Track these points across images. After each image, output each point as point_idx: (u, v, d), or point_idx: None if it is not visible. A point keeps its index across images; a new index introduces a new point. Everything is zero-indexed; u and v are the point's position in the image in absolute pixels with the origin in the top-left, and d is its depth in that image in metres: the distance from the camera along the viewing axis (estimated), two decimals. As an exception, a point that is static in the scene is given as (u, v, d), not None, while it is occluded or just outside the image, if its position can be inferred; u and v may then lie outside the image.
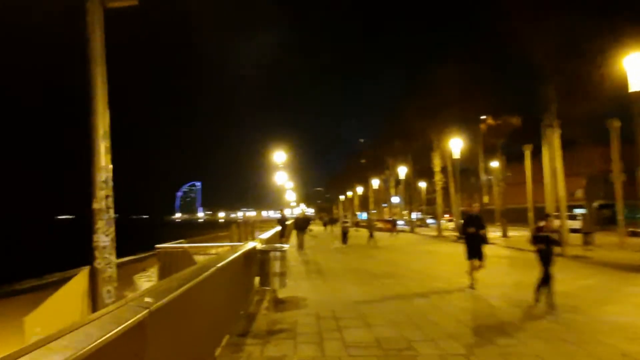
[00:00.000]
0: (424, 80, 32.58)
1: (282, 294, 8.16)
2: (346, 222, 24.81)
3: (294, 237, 33.71)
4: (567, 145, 26.67)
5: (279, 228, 19.12)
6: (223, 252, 6.42)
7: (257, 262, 7.09)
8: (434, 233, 36.12)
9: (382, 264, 13.91)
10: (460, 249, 20.47)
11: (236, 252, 6.34)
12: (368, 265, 13.67)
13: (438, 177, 34.53)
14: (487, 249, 19.81)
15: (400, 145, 40.58)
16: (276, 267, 6.91)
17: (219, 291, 5.23)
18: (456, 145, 29.43)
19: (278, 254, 6.94)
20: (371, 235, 23.09)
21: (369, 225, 25.67)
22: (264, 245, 7.27)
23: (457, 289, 9.37)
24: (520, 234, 33.49)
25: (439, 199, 34.60)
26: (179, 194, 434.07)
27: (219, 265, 4.87)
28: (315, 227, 47.71)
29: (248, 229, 27.87)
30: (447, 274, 11.69)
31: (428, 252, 18.85)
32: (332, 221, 37.35)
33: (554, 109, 18.02)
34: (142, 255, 17.95)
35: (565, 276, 11.57)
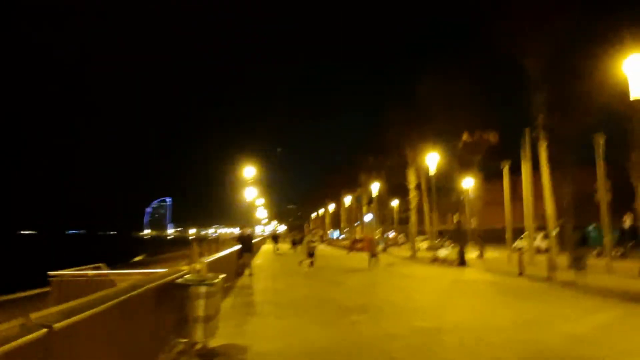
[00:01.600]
0: (400, 94, 31.24)
1: (215, 341, 5.99)
2: (313, 241, 22.35)
3: (260, 257, 31.29)
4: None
5: (237, 247, 16.77)
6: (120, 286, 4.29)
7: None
8: (408, 253, 34.39)
9: (352, 293, 11.85)
10: (437, 273, 18.63)
11: (141, 285, 4.24)
12: (336, 294, 11.58)
13: (413, 194, 32.99)
14: (464, 273, 18.06)
15: (374, 161, 39.07)
16: (199, 308, 4.79)
17: (94, 352, 3.14)
18: (432, 160, 28.03)
19: (203, 289, 4.83)
20: (373, 255, 20.34)
21: (370, 245, 22.10)
22: (186, 276, 5.14)
23: (447, 329, 7.38)
24: (497, 256, 32.14)
25: (413, 217, 33.01)
26: (148, 209, 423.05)
27: (78, 318, 2.78)
28: (285, 246, 45.39)
29: (212, 247, 25.44)
30: (430, 305, 9.75)
31: (404, 276, 16.95)
32: (301, 240, 35.05)
33: (541, 120, 16.67)
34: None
35: (568, 310, 9.78)
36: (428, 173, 35.57)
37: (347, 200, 60.92)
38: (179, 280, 4.90)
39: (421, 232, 45.89)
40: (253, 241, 28.97)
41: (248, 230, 17.67)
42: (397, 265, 23.37)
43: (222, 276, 5.56)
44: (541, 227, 29.79)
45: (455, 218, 35.86)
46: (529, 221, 26.36)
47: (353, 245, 41.39)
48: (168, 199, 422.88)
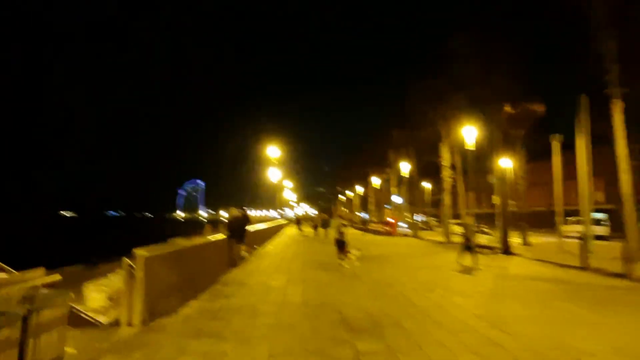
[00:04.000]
0: (431, 58, 27.51)
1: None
2: (343, 225, 15.76)
3: (277, 240, 28.32)
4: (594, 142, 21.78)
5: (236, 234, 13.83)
6: None
7: None
8: (440, 238, 31.12)
9: (366, 294, 8.87)
10: (479, 263, 15.35)
11: None
12: (344, 295, 8.64)
13: (446, 173, 29.43)
14: (512, 265, 14.78)
15: (403, 136, 35.52)
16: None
17: None
18: (469, 133, 24.45)
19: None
20: (468, 248, 13.40)
21: (467, 233, 13.91)
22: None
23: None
24: (543, 241, 28.49)
25: (447, 198, 29.52)
26: (182, 192, 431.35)
27: None
28: (310, 229, 42.83)
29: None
30: (478, 320, 6.64)
31: (437, 268, 13.81)
32: (325, 223, 31.69)
33: (615, 72, 13.02)
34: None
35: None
36: (463, 149, 32.04)
37: (376, 181, 57.61)
38: None
39: (454, 215, 42.36)
40: (259, 227, 25.99)
41: (235, 212, 14.45)
42: (429, 253, 20.22)
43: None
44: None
45: (494, 200, 32.19)
46: (584, 203, 22.57)
47: (366, 226, 41.18)
48: (200, 182, 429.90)
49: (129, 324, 6.06)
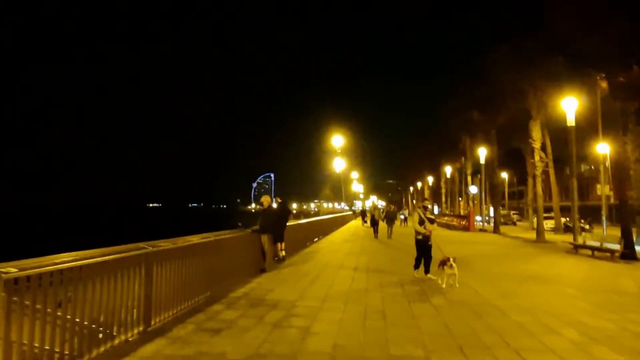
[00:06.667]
0: (520, 12, 22.67)
1: None
2: (430, 220, 9.56)
3: (337, 235, 24.58)
4: None
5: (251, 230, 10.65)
6: None
7: None
8: (529, 235, 26.29)
9: (444, 337, 5.41)
10: (597, 273, 10.92)
11: None
12: (405, 337, 5.27)
13: (537, 157, 24.46)
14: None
15: (481, 117, 30.67)
16: None
17: None
18: (570, 106, 19.66)
19: None
20: None
21: None
22: None
23: None
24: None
25: (539, 187, 24.59)
26: (254, 185, 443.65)
27: None
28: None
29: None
30: None
31: (543, 281, 9.87)
32: (390, 218, 26.18)
33: None
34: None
35: None
36: (554, 131, 26.94)
37: (448, 171, 52.61)
38: None
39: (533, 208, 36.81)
40: (307, 221, 22.46)
41: (268, 202, 11.31)
42: (521, 255, 15.98)
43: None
44: None
45: (599, 190, 26.76)
46: None
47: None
48: (272, 175, 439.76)
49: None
